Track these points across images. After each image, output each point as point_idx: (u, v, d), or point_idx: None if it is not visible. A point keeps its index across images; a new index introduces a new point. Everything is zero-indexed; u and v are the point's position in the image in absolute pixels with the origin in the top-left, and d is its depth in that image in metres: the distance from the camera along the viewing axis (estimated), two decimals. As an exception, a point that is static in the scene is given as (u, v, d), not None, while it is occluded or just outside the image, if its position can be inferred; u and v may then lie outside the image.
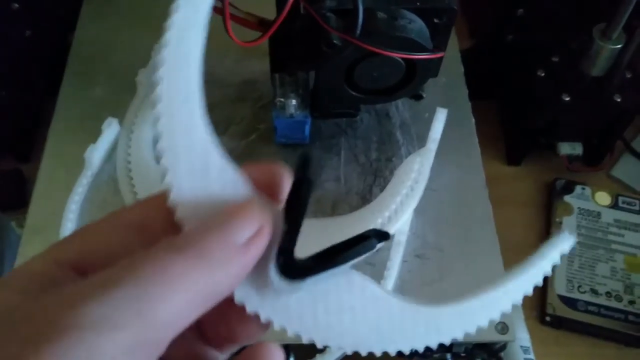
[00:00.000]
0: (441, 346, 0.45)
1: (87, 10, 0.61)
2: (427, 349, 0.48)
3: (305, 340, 0.20)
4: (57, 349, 0.15)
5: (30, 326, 0.15)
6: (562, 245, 0.21)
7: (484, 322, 0.21)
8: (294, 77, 0.47)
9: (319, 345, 0.20)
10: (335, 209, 0.48)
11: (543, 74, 0.60)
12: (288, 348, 0.45)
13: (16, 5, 0.60)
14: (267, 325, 0.20)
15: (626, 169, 0.66)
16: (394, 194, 0.47)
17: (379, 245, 0.20)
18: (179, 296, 0.17)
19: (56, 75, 0.56)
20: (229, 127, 0.52)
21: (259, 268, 0.19)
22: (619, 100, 0.58)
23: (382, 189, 0.49)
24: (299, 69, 0.47)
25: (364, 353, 0.20)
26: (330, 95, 0.47)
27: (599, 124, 0.61)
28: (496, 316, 0.21)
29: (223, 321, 0.21)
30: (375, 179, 0.50)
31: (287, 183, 0.20)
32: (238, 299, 0.19)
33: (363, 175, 0.50)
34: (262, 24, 0.44)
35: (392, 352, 0.20)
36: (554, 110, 0.60)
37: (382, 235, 0.20)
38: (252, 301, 0.19)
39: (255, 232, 0.18)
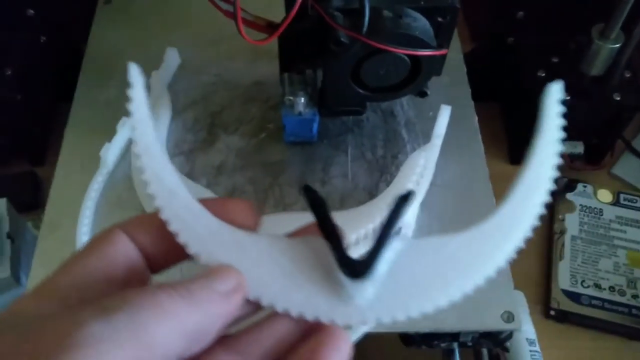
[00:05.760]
0: (448, 335, 0.46)
1: (100, 16, 0.63)
2: (435, 337, 0.49)
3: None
4: None
5: (41, 341, 0.18)
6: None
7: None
8: (302, 75, 0.49)
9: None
10: (343, 203, 0.50)
11: (544, 75, 0.61)
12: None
13: (31, 11, 0.62)
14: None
15: (627, 167, 0.68)
16: (400, 188, 0.48)
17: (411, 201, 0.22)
18: (169, 324, 0.19)
19: (70, 81, 0.58)
20: (239, 127, 0.54)
21: (331, 284, 0.22)
22: (618, 99, 0.60)
23: (388, 185, 0.50)
24: (307, 67, 0.48)
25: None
26: (337, 93, 0.48)
27: (599, 122, 0.63)
28: None
29: None
30: (381, 175, 0.51)
31: (247, 210, 0.24)
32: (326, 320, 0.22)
33: (370, 171, 0.52)
34: (270, 27, 0.46)
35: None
36: (555, 110, 0.61)
37: (408, 195, 0.22)
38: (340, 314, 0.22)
39: (233, 286, 0.22)
